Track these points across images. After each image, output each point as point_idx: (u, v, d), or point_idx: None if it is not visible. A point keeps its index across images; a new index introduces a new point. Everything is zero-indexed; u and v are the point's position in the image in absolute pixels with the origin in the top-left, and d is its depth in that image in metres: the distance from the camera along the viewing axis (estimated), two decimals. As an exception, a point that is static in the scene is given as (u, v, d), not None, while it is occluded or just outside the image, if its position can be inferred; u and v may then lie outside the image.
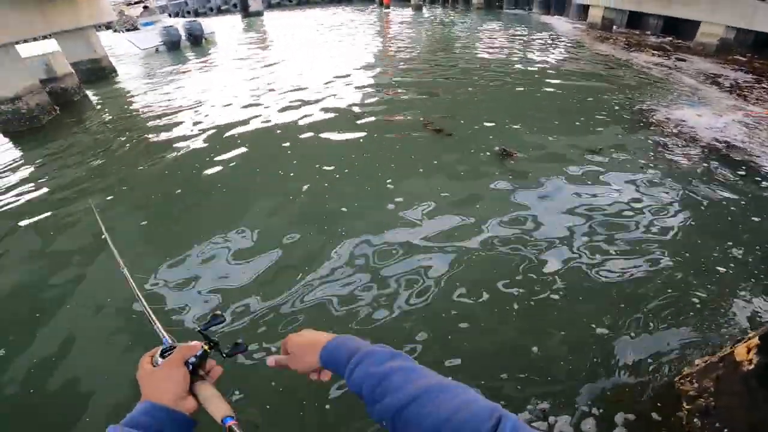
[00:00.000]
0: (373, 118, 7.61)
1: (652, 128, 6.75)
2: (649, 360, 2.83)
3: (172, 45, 18.21)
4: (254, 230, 4.52)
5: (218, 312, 0.91)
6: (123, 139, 7.81)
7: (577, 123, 7.02)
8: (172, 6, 32.85)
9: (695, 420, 1.91)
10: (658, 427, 2.25)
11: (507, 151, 5.94)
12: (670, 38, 14.28)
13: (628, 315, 3.21)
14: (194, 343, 0.87)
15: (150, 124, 8.57)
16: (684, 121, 7.05)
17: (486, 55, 12.79)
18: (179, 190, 5.58)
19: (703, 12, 12.33)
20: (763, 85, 8.92)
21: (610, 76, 9.88)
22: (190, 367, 0.81)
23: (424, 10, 28.34)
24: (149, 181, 6.03)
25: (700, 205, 4.63)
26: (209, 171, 6.07)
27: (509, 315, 3.28)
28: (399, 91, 9.46)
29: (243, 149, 6.74)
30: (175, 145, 7.20)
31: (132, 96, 11.14)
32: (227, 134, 7.39)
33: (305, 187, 5.31)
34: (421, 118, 7.42)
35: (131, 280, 1.17)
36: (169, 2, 32.79)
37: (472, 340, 3.08)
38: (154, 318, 1.01)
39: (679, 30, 14.10)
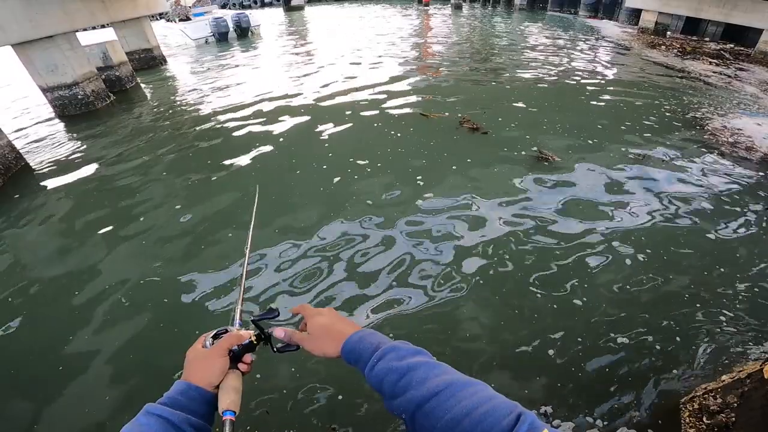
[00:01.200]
0: (409, 115, 7.64)
1: (705, 136, 6.43)
2: (658, 377, 2.76)
3: (221, 36, 18.98)
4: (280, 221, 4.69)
5: (274, 306, 0.91)
6: (171, 123, 8.21)
7: (623, 128, 6.76)
8: (219, -2, 34.16)
9: (714, 435, 1.84)
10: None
11: (544, 154, 5.81)
12: (731, 45, 13.46)
13: (647, 327, 3.12)
14: (244, 332, 0.88)
15: (199, 112, 8.94)
16: (741, 129, 6.68)
17: (528, 56, 12.50)
18: (215, 177, 5.81)
19: (765, 20, 11.61)
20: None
21: (661, 82, 9.43)
22: (231, 354, 0.83)
23: (464, 9, 28.01)
24: (195, 164, 6.30)
25: (751, 219, 4.38)
26: (247, 160, 6.29)
27: (530, 318, 3.25)
28: (437, 88, 9.42)
29: (281, 140, 6.93)
30: (223, 133, 7.50)
31: (183, 85, 11.62)
32: (268, 125, 7.61)
33: (336, 179, 5.42)
34: (459, 115, 7.38)
35: (247, 261, 1.13)
36: (217, -7, 34.04)
37: (486, 341, 3.09)
38: (240, 300, 1.01)
39: (740, 37, 13.30)
